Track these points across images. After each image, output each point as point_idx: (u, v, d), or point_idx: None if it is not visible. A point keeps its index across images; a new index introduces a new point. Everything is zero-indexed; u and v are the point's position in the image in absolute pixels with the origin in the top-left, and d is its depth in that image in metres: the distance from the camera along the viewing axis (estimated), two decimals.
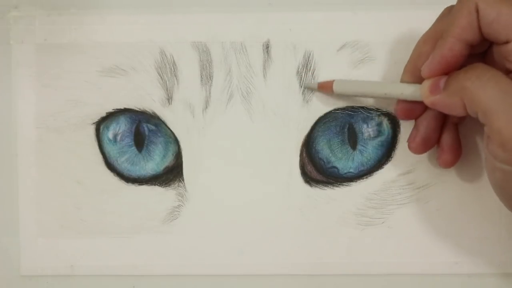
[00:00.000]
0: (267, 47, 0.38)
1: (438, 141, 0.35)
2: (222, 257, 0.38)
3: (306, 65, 0.38)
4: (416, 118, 0.35)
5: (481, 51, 0.34)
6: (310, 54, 0.38)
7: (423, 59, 0.33)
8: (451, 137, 0.35)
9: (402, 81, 0.35)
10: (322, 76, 0.37)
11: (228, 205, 0.38)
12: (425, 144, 0.35)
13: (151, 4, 0.38)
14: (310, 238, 0.38)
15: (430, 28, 0.34)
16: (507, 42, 0.30)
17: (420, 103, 0.34)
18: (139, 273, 0.39)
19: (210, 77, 0.38)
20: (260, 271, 0.38)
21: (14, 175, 0.39)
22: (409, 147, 0.36)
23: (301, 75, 0.38)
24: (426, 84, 0.33)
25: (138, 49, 0.38)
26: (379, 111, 0.38)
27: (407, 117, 0.36)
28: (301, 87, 0.37)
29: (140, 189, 0.38)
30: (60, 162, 0.39)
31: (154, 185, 0.38)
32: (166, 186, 0.38)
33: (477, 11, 0.30)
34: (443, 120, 0.35)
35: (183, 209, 0.38)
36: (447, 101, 0.32)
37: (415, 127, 0.35)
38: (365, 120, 0.38)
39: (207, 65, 0.38)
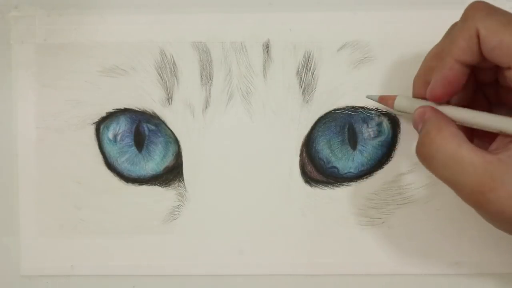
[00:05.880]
0: (267, 47, 0.38)
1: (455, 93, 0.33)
2: (222, 257, 0.38)
3: (306, 65, 0.38)
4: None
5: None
6: (310, 54, 0.38)
7: (431, 74, 0.32)
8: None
9: (414, 95, 0.34)
10: (322, 75, 0.38)
11: (228, 205, 0.38)
12: (447, 88, 0.32)
13: (151, 4, 0.38)
14: (310, 238, 0.38)
15: (437, 44, 0.33)
16: (509, 68, 0.30)
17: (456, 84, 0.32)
18: (139, 273, 0.39)
19: (210, 77, 0.38)
20: (260, 271, 0.38)
21: (14, 175, 0.39)
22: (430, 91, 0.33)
23: (301, 75, 0.38)
24: None
25: (138, 49, 0.38)
26: (379, 111, 0.38)
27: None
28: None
29: (140, 189, 0.38)
30: (60, 162, 0.39)
31: (154, 185, 0.38)
32: (166, 186, 0.38)
33: (478, 36, 0.30)
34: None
35: (183, 209, 0.38)
36: None
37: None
38: (365, 120, 0.38)
39: (207, 65, 0.38)
